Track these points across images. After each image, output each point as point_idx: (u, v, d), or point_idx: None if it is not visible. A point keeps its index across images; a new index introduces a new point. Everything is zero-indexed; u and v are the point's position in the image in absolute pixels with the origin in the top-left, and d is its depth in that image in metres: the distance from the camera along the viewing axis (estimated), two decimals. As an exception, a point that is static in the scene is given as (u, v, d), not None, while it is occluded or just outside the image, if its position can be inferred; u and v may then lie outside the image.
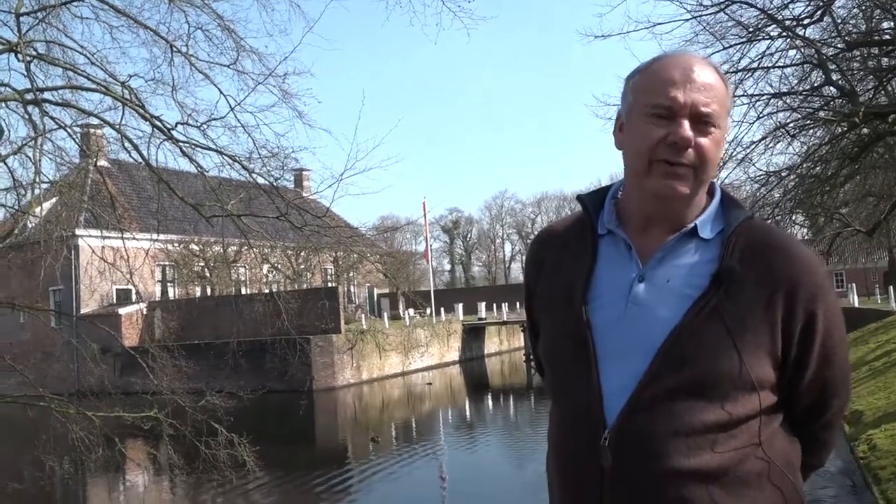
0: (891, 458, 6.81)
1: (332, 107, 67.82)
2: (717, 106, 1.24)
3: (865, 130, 13.17)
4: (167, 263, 33.67)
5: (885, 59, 14.56)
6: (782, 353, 1.23)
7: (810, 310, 1.22)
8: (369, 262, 34.14)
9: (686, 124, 1.23)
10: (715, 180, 1.31)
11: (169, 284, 35.35)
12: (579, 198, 1.39)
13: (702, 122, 1.23)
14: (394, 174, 35.49)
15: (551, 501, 1.34)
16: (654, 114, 1.24)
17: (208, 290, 34.70)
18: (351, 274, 41.52)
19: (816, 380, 1.27)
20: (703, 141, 1.23)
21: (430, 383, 29.22)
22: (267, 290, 32.17)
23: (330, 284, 37.74)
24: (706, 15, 12.95)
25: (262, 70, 7.93)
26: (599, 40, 13.99)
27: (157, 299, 33.10)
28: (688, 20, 13.05)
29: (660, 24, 13.46)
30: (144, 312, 28.40)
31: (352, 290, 43.61)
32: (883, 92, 16.20)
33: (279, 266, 29.81)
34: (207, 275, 34.26)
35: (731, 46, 12.26)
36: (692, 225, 1.26)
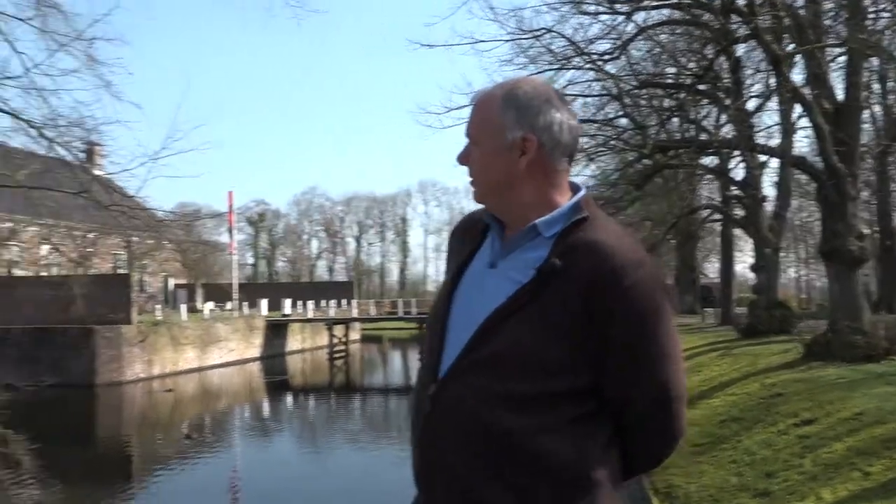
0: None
1: (149, 84, 62.53)
2: (473, 129, 1.46)
3: (649, 162, 14.84)
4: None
5: (667, 101, 16.54)
6: (585, 346, 1.34)
7: (608, 306, 1.33)
8: (168, 250, 32.09)
9: (465, 146, 1.48)
10: (581, 185, 1.50)
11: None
12: None
13: (472, 144, 1.47)
14: (201, 161, 33.52)
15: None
16: None
17: (-28, 271, 30.59)
18: (145, 261, 38.70)
19: (618, 374, 1.36)
20: (472, 159, 1.48)
21: (284, 374, 28.87)
22: (45, 274, 29.11)
23: (120, 271, 34.95)
24: (523, 39, 13.91)
25: (68, 31, 7.25)
26: (426, 49, 14.45)
27: None
28: (507, 41, 13.94)
29: (482, 41, 14.22)
30: None
31: (144, 278, 40.65)
32: (663, 129, 18.34)
33: (62, 248, 27.06)
34: (-28, 253, 30.23)
35: (543, 71, 13.25)
36: (531, 224, 1.43)
